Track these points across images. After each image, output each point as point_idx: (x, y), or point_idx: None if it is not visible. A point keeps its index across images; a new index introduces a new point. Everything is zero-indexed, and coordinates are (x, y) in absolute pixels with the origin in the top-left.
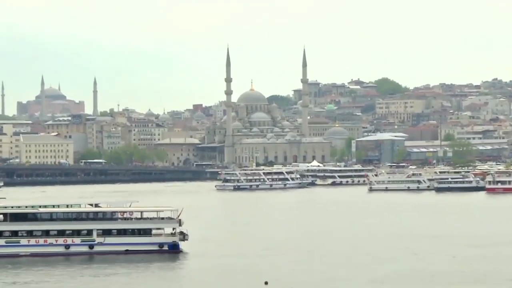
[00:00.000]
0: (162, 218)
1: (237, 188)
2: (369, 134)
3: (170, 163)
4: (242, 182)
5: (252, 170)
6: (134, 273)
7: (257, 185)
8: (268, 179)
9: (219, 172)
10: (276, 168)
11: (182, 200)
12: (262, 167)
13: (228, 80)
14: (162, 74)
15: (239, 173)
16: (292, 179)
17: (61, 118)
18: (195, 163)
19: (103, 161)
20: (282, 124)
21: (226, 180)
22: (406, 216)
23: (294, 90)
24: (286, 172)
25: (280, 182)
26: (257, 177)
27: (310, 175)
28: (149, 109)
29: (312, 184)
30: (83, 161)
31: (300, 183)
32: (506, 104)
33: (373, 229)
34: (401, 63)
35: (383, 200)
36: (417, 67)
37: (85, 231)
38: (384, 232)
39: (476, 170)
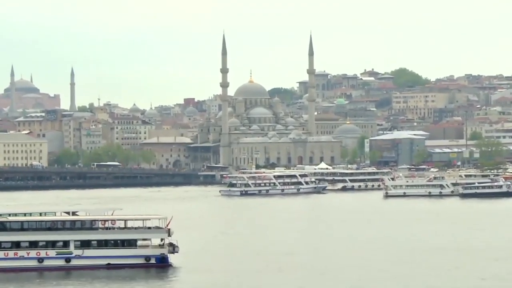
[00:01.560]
0: (149, 228)
1: (245, 194)
2: (385, 132)
3: (158, 165)
4: (250, 186)
5: (261, 173)
6: None
7: (267, 190)
8: (279, 183)
9: (224, 176)
10: (289, 170)
11: (175, 207)
12: (262, 170)
13: (224, 70)
14: (148, 64)
15: (247, 177)
16: (307, 183)
17: (33, 114)
18: (205, 165)
19: (118, 163)
20: (285, 121)
21: (231, 185)
22: (426, 227)
23: (299, 82)
24: (299, 175)
25: (292, 187)
26: (267, 181)
27: (317, 179)
28: (134, 104)
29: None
30: (96, 163)
31: (315, 188)
32: None
33: (389, 242)
34: (421, 51)
35: (401, 207)
36: (439, 56)
37: (61, 243)
38: (401, 245)
39: (507, 173)
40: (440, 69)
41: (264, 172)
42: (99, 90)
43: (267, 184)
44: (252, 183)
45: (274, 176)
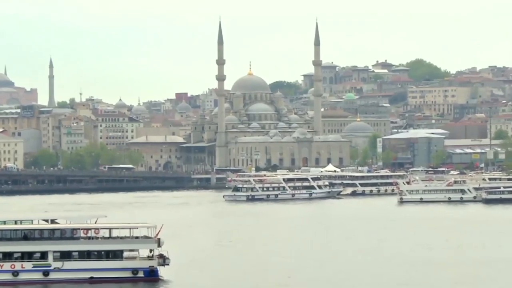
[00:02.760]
0: (137, 238)
1: (251, 199)
2: (399, 130)
3: (146, 167)
4: (257, 191)
5: (261, 176)
6: None
7: (276, 195)
8: (289, 187)
9: (228, 179)
10: (293, 173)
11: (166, 214)
12: (263, 173)
13: (220, 62)
14: (136, 55)
15: (254, 180)
16: (320, 187)
17: (7, 111)
18: (214, 167)
19: (131, 166)
20: (288, 118)
21: (237, 189)
22: (447, 236)
23: (304, 75)
24: (312, 178)
25: (304, 191)
26: (276, 185)
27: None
28: (120, 99)
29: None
30: (107, 166)
31: (329, 192)
32: None
33: (405, 253)
34: (439, 40)
35: (417, 215)
36: (460, 46)
37: (39, 254)
38: (419, 257)
39: None
40: (461, 60)
41: (265, 175)
42: (81, 84)
43: (276, 188)
44: (259, 187)
45: (284, 180)
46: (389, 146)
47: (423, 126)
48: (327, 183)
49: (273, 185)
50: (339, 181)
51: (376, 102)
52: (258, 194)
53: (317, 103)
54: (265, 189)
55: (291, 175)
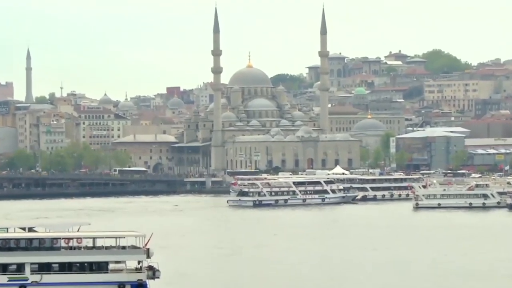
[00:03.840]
0: (124, 248)
1: (258, 204)
2: (415, 129)
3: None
4: (265, 195)
5: (262, 179)
6: None
7: (286, 200)
8: (300, 191)
9: (233, 182)
10: (296, 176)
11: (156, 222)
12: (264, 176)
13: (216, 52)
14: (122, 45)
15: (261, 184)
16: (333, 191)
17: None
18: (226, 171)
19: (144, 169)
20: (292, 115)
21: (242, 193)
22: (468, 246)
23: (309, 68)
24: (325, 182)
25: (316, 196)
26: (286, 189)
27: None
28: (105, 94)
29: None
30: (118, 169)
31: (343, 197)
32: None
33: (422, 265)
34: (459, 29)
35: (435, 222)
36: (482, 35)
37: (14, 266)
38: (438, 269)
39: None
40: (483, 51)
41: (265, 178)
42: (62, 77)
43: (286, 193)
44: (267, 192)
45: (294, 183)
46: (404, 146)
47: (441, 124)
48: (341, 187)
49: (282, 189)
50: (348, 185)
51: (389, 98)
52: (266, 199)
53: (324, 98)
54: (273, 193)
55: (302, 178)
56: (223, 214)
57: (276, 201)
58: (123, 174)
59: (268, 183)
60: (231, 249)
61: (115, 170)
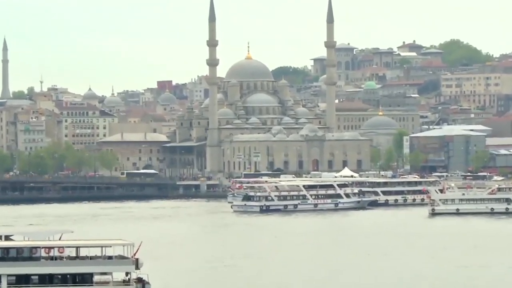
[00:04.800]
0: (110, 258)
1: (266, 210)
2: (431, 127)
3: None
4: (273, 200)
5: (262, 182)
6: None
7: (295, 205)
8: (311, 195)
9: (238, 186)
10: (300, 179)
11: (146, 229)
12: (264, 179)
13: (212, 43)
14: (108, 36)
15: (269, 187)
16: (347, 195)
17: None
18: (244, 173)
19: (154, 171)
20: (295, 112)
21: (248, 198)
22: (490, 257)
23: (314, 59)
24: (338, 185)
25: (329, 201)
26: (296, 193)
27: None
28: (90, 88)
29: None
30: (126, 172)
31: (358, 202)
32: None
33: (440, 279)
34: (479, 18)
35: (453, 229)
36: (504, 25)
37: None
38: (461, 282)
39: None
40: (506, 42)
41: (266, 182)
42: (42, 71)
43: (295, 197)
44: (275, 196)
45: (305, 187)
46: (418, 146)
47: (459, 122)
48: (356, 191)
49: (292, 193)
50: (358, 188)
51: (402, 92)
52: (273, 204)
53: (330, 93)
54: (282, 198)
55: (315, 182)
56: (223, 221)
57: (285, 206)
58: (131, 177)
59: (276, 186)
60: (228, 260)
61: (122, 173)
